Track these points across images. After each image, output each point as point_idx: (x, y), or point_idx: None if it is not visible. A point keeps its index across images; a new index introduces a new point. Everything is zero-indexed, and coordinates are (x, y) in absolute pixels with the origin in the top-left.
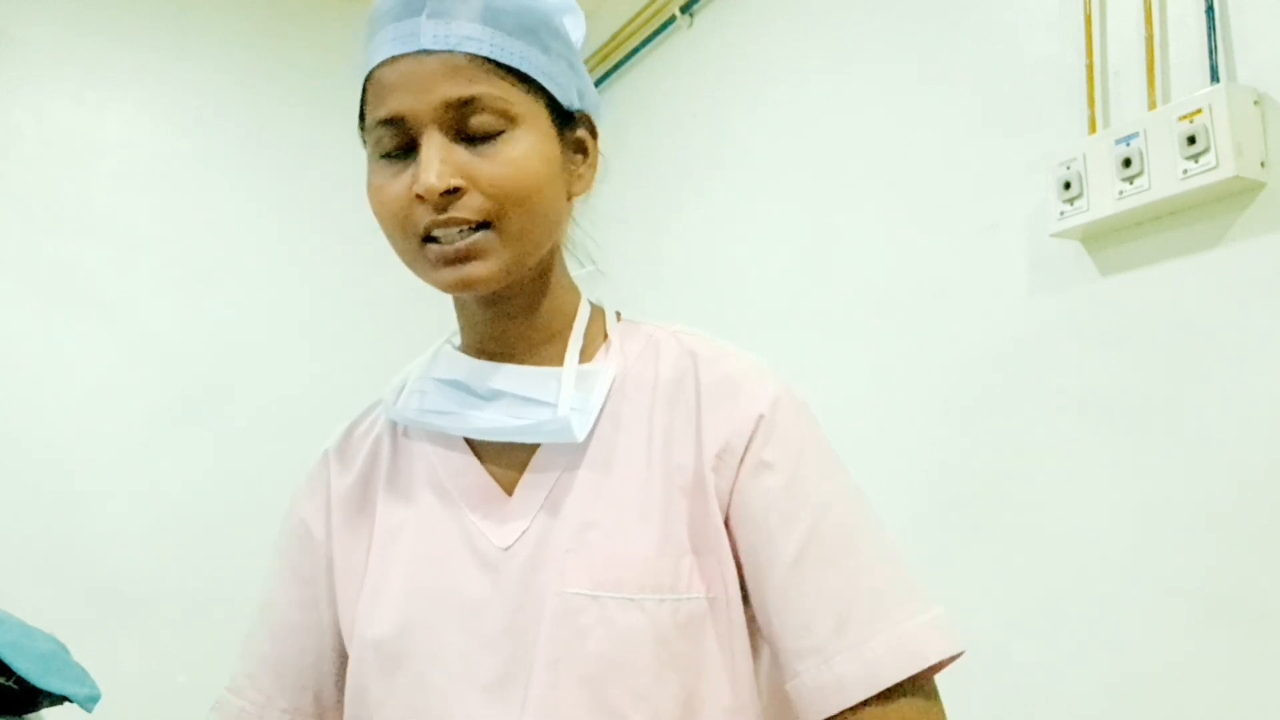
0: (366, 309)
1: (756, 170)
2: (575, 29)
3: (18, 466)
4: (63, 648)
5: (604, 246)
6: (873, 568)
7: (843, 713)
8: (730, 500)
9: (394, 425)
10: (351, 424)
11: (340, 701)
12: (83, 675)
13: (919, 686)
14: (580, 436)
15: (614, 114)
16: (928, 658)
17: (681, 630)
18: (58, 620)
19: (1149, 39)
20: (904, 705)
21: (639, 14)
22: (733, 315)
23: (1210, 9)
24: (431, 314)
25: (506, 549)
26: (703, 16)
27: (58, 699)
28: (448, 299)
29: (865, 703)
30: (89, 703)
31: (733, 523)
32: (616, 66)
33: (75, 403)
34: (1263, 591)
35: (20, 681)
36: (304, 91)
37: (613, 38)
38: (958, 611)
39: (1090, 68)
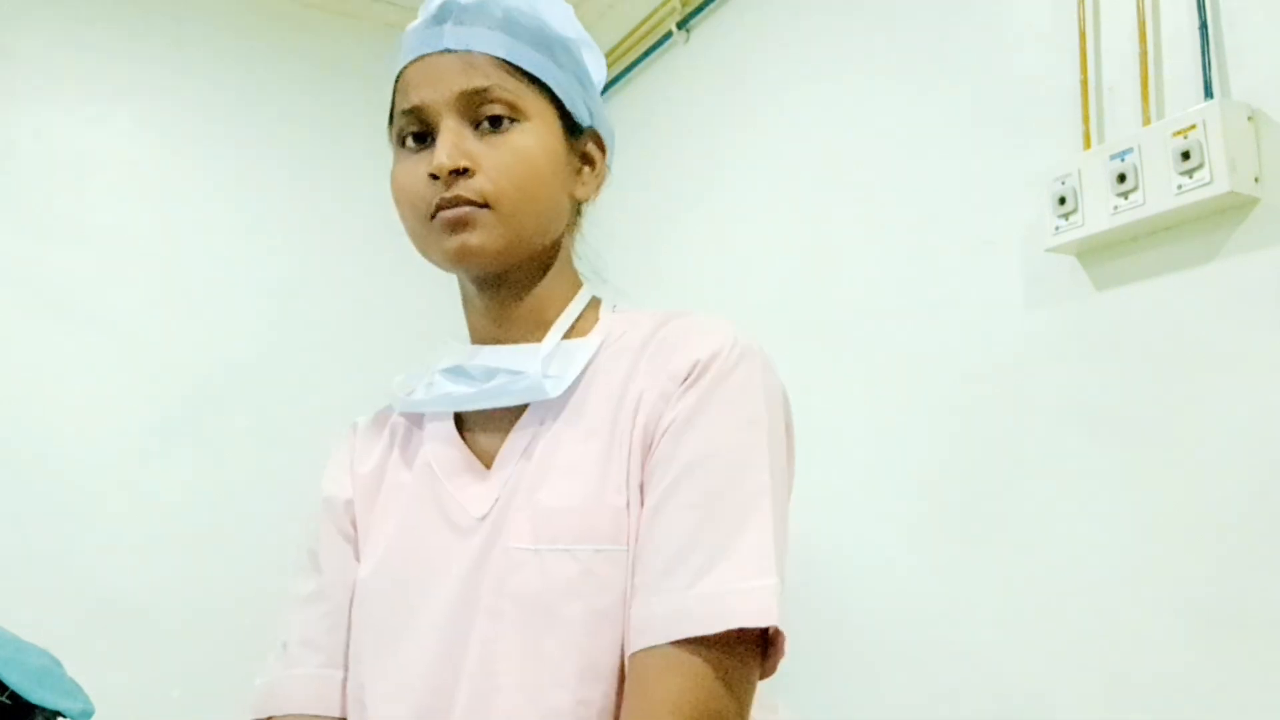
0: (363, 321)
1: (752, 185)
2: (596, 68)
3: (13, 478)
4: (56, 662)
5: (604, 258)
6: (724, 523)
7: (654, 650)
8: (660, 443)
9: (404, 415)
10: (381, 410)
11: None
12: (76, 690)
13: (734, 648)
14: (553, 392)
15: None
16: (734, 619)
17: (617, 582)
18: (52, 634)
19: (1143, 55)
20: (707, 656)
21: (636, 29)
22: None
23: (1204, 25)
24: (428, 325)
25: (482, 518)
26: (699, 32)
27: (51, 714)
28: (445, 309)
29: (676, 645)
30: (82, 717)
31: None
32: (613, 81)
33: (71, 415)
34: (1260, 603)
35: (13, 696)
36: (301, 105)
37: (609, 53)
38: (953, 621)
39: (1085, 83)
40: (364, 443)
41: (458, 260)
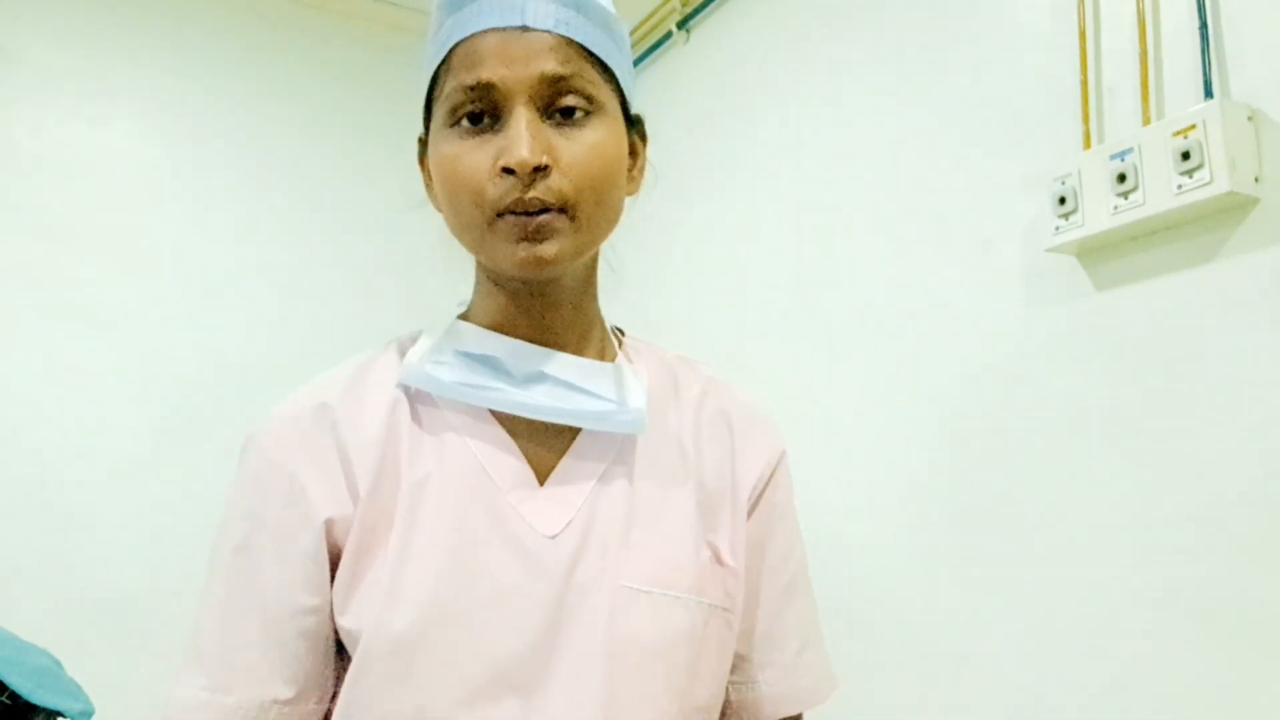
0: (364, 324)
1: (752, 186)
2: (626, 37)
3: (14, 480)
4: (56, 663)
5: (621, 255)
6: (815, 604)
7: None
8: (748, 521)
9: (406, 389)
10: (349, 380)
11: (331, 674)
12: (76, 690)
13: None
14: (641, 430)
15: None
16: (837, 682)
17: (707, 632)
18: (52, 635)
19: (1143, 55)
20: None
21: (636, 29)
22: (729, 331)
23: (1204, 25)
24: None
25: (553, 537)
26: (699, 33)
27: (51, 714)
28: (447, 309)
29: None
30: (82, 717)
31: (746, 541)
32: None
33: (72, 417)
34: (1260, 604)
35: (14, 697)
36: (302, 107)
37: None
38: (953, 621)
39: (1085, 83)
40: (350, 425)
41: (527, 271)
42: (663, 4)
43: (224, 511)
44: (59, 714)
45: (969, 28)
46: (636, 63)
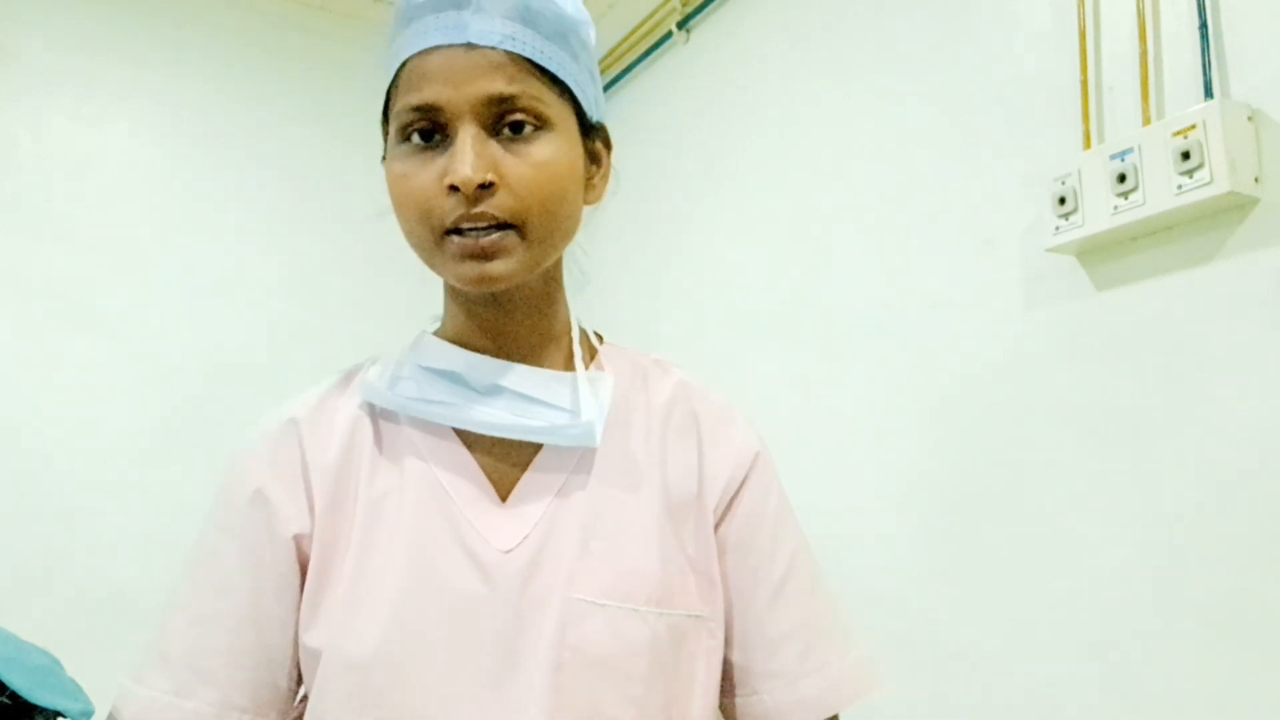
0: (362, 323)
1: (752, 185)
2: (590, 37)
3: (13, 479)
4: (56, 662)
5: (598, 260)
6: (829, 605)
7: None
8: (722, 526)
9: (371, 407)
10: (319, 397)
11: (292, 690)
12: (76, 690)
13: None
14: (598, 441)
15: (609, 129)
16: (870, 687)
17: (675, 643)
18: (51, 634)
19: (1143, 55)
20: None
21: (635, 29)
22: (728, 330)
23: (1204, 25)
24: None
25: (508, 552)
26: (699, 32)
27: (51, 714)
28: (419, 325)
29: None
30: (82, 717)
31: (724, 547)
32: (613, 81)
33: (71, 416)
34: (1260, 604)
35: (13, 696)
36: (300, 107)
37: (609, 53)
38: (954, 622)
39: (1085, 83)
40: (314, 442)
41: (476, 288)
42: (662, 4)
43: (201, 522)
44: (59, 714)
45: (969, 28)
46: (636, 63)
